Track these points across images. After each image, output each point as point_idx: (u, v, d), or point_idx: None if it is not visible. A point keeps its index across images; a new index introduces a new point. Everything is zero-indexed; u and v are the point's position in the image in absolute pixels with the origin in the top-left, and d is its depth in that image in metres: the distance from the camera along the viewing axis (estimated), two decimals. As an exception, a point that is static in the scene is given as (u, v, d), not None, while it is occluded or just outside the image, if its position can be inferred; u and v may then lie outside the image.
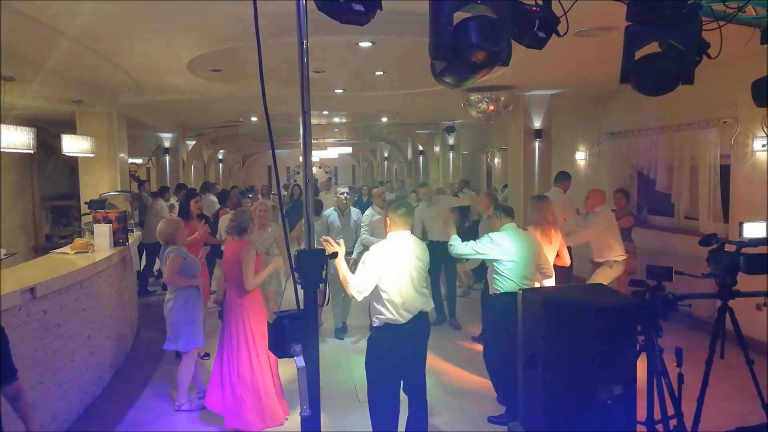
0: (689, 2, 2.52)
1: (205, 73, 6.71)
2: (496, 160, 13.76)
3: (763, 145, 5.96)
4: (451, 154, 13.98)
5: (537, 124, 8.77)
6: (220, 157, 20.94)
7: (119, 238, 5.93)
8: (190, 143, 15.29)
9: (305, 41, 2.02)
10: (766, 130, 5.84)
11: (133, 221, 7.56)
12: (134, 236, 6.81)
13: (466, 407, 4.86)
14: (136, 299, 7.37)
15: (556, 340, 3.19)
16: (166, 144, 13.17)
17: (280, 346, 1.75)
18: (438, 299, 7.31)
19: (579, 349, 3.13)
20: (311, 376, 1.78)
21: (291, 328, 1.75)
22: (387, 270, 3.67)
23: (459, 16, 2.33)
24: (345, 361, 5.87)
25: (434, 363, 5.90)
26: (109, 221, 5.87)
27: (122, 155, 8.82)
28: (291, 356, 1.78)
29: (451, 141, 13.84)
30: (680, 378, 3.34)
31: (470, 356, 6.16)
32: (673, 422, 3.38)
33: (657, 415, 3.37)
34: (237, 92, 8.00)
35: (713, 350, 3.66)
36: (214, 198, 10.48)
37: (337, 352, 6.19)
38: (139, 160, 15.20)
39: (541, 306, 3.29)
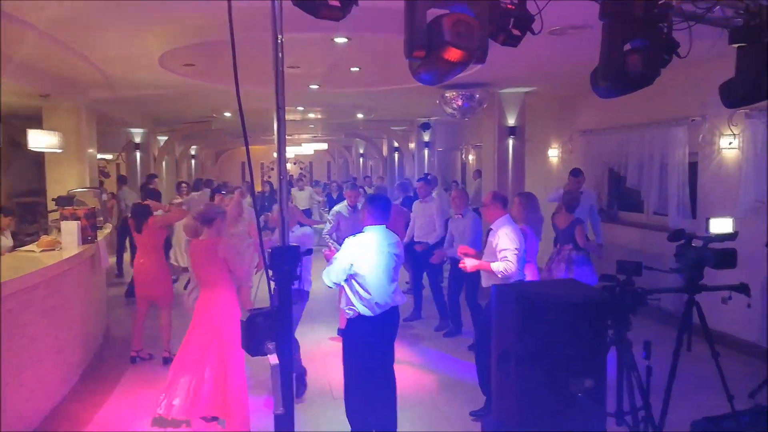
0: (660, 2, 2.57)
1: (177, 68, 6.60)
2: (470, 157, 13.85)
3: (730, 143, 6.12)
4: (426, 151, 14.02)
5: (511, 121, 8.85)
6: (193, 153, 20.65)
7: (88, 235, 5.80)
8: (162, 139, 15.03)
9: (280, 36, 2.00)
10: (732, 128, 6.00)
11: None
12: (103, 233, 6.67)
13: (440, 404, 4.89)
14: (105, 297, 7.23)
15: (528, 335, 3.22)
16: (137, 139, 12.91)
17: (253, 345, 1.74)
18: (418, 296, 7.45)
19: (551, 344, 3.17)
20: (284, 374, 1.77)
21: (265, 326, 1.73)
22: (359, 263, 3.70)
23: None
24: (319, 358, 5.85)
25: (412, 360, 5.93)
26: (77, 218, 5.74)
27: (91, 151, 8.63)
28: (264, 354, 1.77)
29: (426, 138, 13.88)
30: (649, 371, 3.42)
31: (448, 354, 6.21)
32: (641, 414, 3.46)
33: (626, 407, 3.44)
34: (210, 87, 7.89)
35: (680, 343, 3.75)
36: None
37: (312, 349, 6.15)
38: (108, 156, 14.90)
39: (514, 301, 3.32)
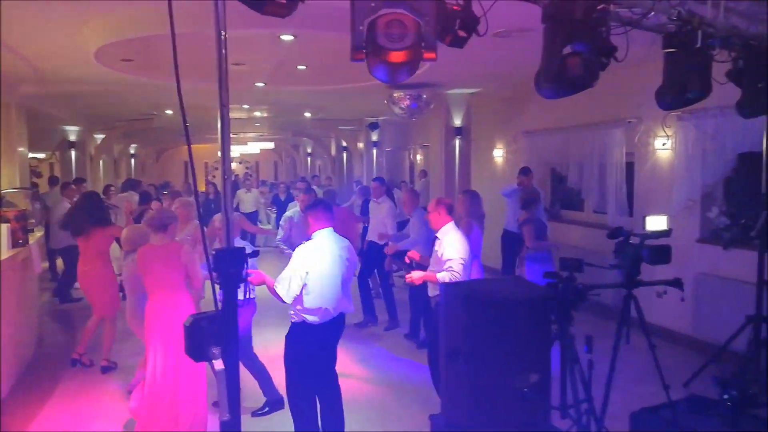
0: (599, 7, 2.65)
1: (114, 63, 6.35)
2: (418, 157, 13.97)
3: (663, 144, 6.41)
4: (374, 151, 14.05)
5: (457, 122, 8.97)
6: (132, 151, 19.95)
7: (18, 238, 5.49)
8: (99, 137, 14.44)
9: (223, 32, 1.95)
10: (665, 130, 6.28)
11: None
12: (35, 236, 6.34)
13: (392, 406, 4.90)
14: (37, 304, 6.88)
15: (476, 333, 3.27)
16: (72, 137, 12.34)
17: (197, 350, 1.67)
18: (369, 302, 7.19)
19: (498, 341, 3.23)
20: (231, 380, 1.72)
21: (209, 330, 1.68)
22: (312, 270, 3.64)
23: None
24: (267, 362, 5.75)
25: (363, 361, 5.91)
26: (6, 220, 5.42)
27: (21, 149, 8.18)
28: (209, 360, 1.71)
29: (374, 137, 13.91)
30: (590, 364, 3.53)
31: (400, 355, 6.23)
32: (584, 406, 3.57)
33: (570, 400, 3.54)
34: (150, 84, 7.63)
35: (620, 336, 3.89)
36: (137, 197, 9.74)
37: (259, 353, 6.05)
38: (41, 155, 14.19)
39: (463, 300, 3.37)
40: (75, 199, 6.31)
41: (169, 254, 4.15)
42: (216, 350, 1.69)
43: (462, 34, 2.58)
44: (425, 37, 2.31)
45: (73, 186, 9.14)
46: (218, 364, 1.71)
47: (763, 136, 4.89)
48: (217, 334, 1.68)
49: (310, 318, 3.69)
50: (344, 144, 17.65)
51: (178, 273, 4.15)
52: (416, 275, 4.35)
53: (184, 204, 5.80)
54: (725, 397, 3.29)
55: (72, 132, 12.31)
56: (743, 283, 5.28)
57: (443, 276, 4.18)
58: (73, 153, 12.36)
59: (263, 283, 3.66)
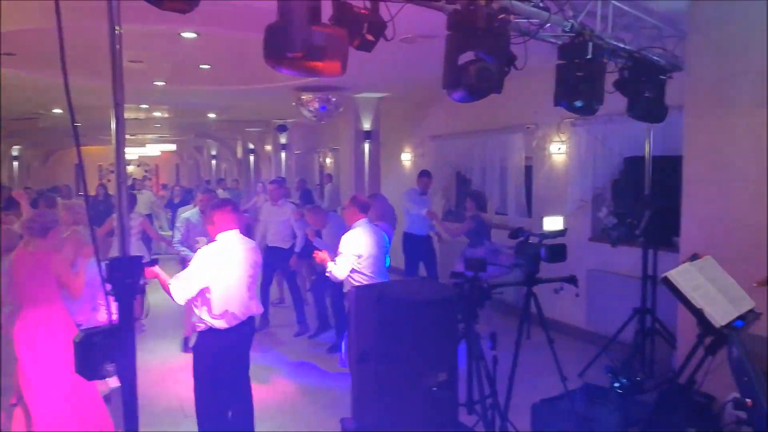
0: (500, 17, 2.77)
1: (-7, 56, 5.80)
2: (328, 160, 13.92)
3: (559, 149, 6.81)
4: (283, 154, 13.82)
5: (367, 125, 9.04)
6: (15, 153, 18.31)
7: None
8: (-24, 137, 13.14)
9: (118, 27, 1.84)
10: (560, 135, 6.68)
11: None
12: None
13: (302, 411, 4.84)
14: None
15: (386, 334, 3.30)
16: (-58, 137, 11.13)
17: (89, 367, 1.54)
18: (266, 305, 6.98)
19: (407, 341, 3.27)
20: (128, 397, 1.61)
21: (103, 345, 1.55)
22: (215, 275, 3.52)
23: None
24: (168, 375, 5.49)
25: (272, 367, 5.79)
26: None
27: None
28: (103, 377, 1.59)
29: (283, 140, 13.67)
30: (495, 360, 3.67)
31: (310, 359, 6.16)
32: (489, 401, 3.71)
33: (476, 396, 3.66)
34: (35, 80, 7.05)
35: (521, 332, 4.07)
36: None
37: (158, 365, 5.77)
38: None
39: (373, 302, 3.38)
40: None
41: (37, 263, 3.77)
42: (110, 367, 1.57)
43: (370, 37, 2.60)
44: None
45: None
46: (113, 382, 1.59)
47: (646, 142, 5.33)
48: (112, 350, 1.56)
49: (218, 323, 3.56)
50: (251, 146, 17.23)
51: (48, 285, 3.78)
52: (322, 255, 4.58)
53: (67, 208, 5.41)
54: (616, 385, 3.54)
55: (-58, 131, 11.11)
56: (630, 277, 5.72)
57: (330, 266, 4.48)
58: (-57, 154, 11.15)
59: (156, 277, 3.45)
